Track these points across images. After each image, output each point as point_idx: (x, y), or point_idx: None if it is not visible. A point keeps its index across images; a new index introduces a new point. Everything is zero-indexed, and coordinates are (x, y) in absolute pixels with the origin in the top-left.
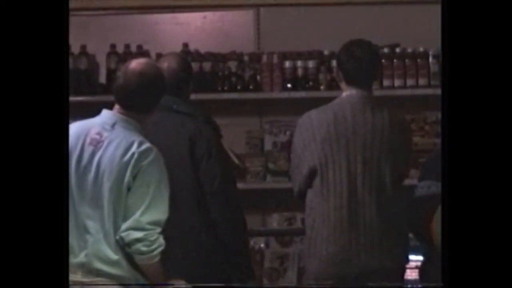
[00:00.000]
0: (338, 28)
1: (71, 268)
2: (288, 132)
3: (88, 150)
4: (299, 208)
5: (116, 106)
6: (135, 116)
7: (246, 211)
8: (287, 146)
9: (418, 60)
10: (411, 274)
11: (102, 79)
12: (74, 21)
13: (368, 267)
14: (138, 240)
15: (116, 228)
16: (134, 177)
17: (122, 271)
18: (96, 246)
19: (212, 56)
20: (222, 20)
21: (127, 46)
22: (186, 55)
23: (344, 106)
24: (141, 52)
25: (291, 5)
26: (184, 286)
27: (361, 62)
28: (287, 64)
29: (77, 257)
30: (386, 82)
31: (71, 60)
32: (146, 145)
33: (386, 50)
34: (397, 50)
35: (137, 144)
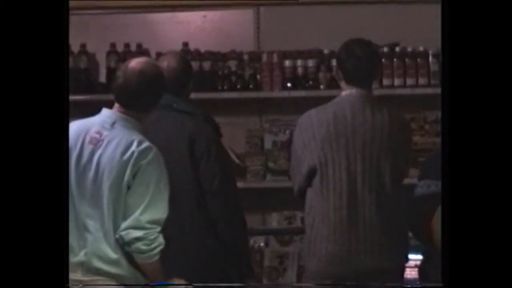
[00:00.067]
0: (338, 27)
1: (70, 267)
2: (288, 131)
3: (87, 149)
4: (299, 207)
5: (116, 105)
6: (135, 115)
7: (246, 210)
8: (287, 145)
9: (418, 59)
10: (411, 273)
11: (102, 78)
12: (74, 20)
13: (368, 266)
14: (137, 239)
15: (116, 227)
16: (133, 176)
17: (122, 270)
18: (96, 245)
19: (212, 55)
20: (222, 19)
21: (127, 45)
22: (186, 54)
23: (344, 105)
24: (141, 51)
25: (291, 4)
26: (184, 285)
27: (361, 61)
28: (287, 63)
29: (76, 256)
30: (386, 81)
31: (71, 59)
32: (146, 144)
33: (386, 49)
34: (397, 49)
35: (137, 143)
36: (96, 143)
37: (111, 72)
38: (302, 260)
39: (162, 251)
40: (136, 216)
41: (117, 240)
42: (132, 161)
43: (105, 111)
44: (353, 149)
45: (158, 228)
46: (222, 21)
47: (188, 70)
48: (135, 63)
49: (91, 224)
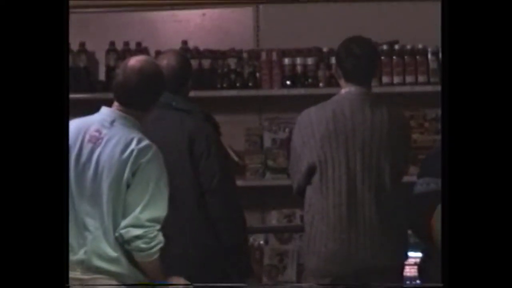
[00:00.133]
0: (337, 25)
1: (70, 265)
2: (287, 129)
3: (87, 147)
4: (298, 205)
5: (115, 103)
6: (134, 113)
7: (245, 208)
8: (287, 143)
9: (417, 57)
10: (410, 271)
11: (101, 76)
12: (74, 19)
13: (367, 264)
14: (137, 237)
15: (116, 225)
16: (133, 174)
17: (122, 268)
18: (96, 243)
19: (211, 53)
20: (221, 17)
21: (126, 44)
22: (185, 52)
23: (343, 103)
24: (140, 50)
25: (290, 2)
26: (184, 285)
27: (360, 59)
28: (286, 61)
29: (76, 254)
30: (385, 79)
31: (70, 58)
32: (145, 142)
33: (385, 47)
34: (396, 47)
35: (136, 141)
36: (96, 141)
37: (110, 70)
38: (302, 258)
39: (161, 250)
40: (136, 214)
41: (116, 239)
42: (131, 159)
43: (104, 110)
44: (352, 147)
45: (158, 226)
46: (221, 19)
47: (187, 68)
48: (134, 61)
49: (91, 222)
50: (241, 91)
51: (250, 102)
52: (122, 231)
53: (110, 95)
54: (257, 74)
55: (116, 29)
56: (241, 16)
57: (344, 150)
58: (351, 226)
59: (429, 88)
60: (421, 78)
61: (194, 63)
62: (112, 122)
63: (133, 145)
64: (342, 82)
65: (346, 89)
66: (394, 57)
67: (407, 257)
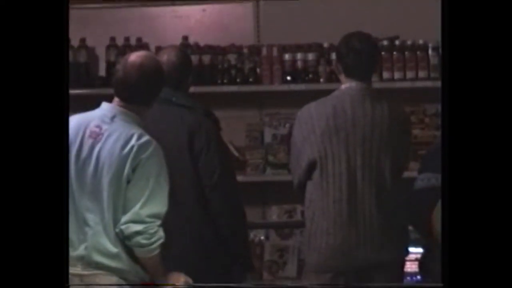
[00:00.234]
0: (337, 21)
1: (70, 261)
2: (287, 125)
3: (87, 143)
4: (299, 201)
5: (116, 99)
6: (135, 109)
7: (245, 204)
8: (287, 138)
9: (418, 53)
10: (411, 267)
11: (102, 72)
12: (74, 14)
13: (368, 260)
14: (137, 233)
15: (116, 221)
16: (133, 169)
17: (122, 264)
18: (96, 239)
19: (211, 49)
20: (221, 13)
21: (127, 39)
22: (186, 48)
23: (344, 98)
24: (141, 45)
25: None
26: (184, 285)
27: (361, 55)
28: (287, 56)
29: (76, 250)
30: (385, 75)
31: (70, 53)
32: (146, 138)
33: (385, 42)
34: (397, 42)
35: (137, 137)
36: (96, 137)
37: (110, 66)
38: (302, 254)
39: (162, 245)
40: (136, 210)
41: (117, 234)
42: (132, 155)
43: (105, 105)
44: (352, 142)
45: (158, 222)
46: (221, 15)
47: (187, 64)
48: (134, 57)
49: (91, 218)
50: (242, 86)
51: (251, 97)
52: (123, 227)
53: (111, 91)
54: (258, 70)
55: (116, 25)
56: (242, 11)
57: (344, 146)
58: (351, 222)
59: (429, 84)
60: (421, 74)
61: (194, 58)
62: (112, 118)
63: (133, 141)
64: (342, 77)
65: (347, 85)
66: (394, 53)
67: (407, 252)
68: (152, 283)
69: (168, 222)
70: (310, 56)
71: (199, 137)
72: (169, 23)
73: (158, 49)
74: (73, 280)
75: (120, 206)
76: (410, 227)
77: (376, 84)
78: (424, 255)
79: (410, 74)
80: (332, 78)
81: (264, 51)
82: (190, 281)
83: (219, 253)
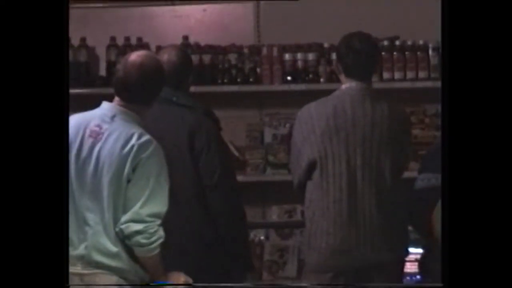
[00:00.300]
0: (338, 21)
1: (70, 260)
2: (288, 125)
3: (87, 142)
4: (299, 201)
5: (116, 99)
6: (135, 108)
7: (246, 204)
8: (287, 138)
9: (418, 53)
10: (411, 267)
11: (102, 71)
12: (74, 14)
13: (368, 260)
14: (137, 232)
15: (116, 220)
16: (133, 169)
17: (122, 263)
18: (96, 238)
19: (212, 49)
20: (222, 12)
21: (127, 39)
22: (186, 47)
23: (344, 98)
24: (141, 45)
25: None
26: (184, 285)
27: (361, 55)
28: (287, 56)
29: (76, 249)
30: (386, 75)
31: (70, 53)
32: (146, 137)
33: (386, 42)
34: (397, 42)
35: (137, 136)
36: (96, 136)
37: (111, 65)
38: (302, 254)
39: (162, 245)
40: (136, 209)
41: (117, 234)
42: (132, 154)
43: (105, 105)
44: (353, 143)
45: (158, 222)
46: (222, 15)
47: (188, 63)
48: (135, 56)
49: (91, 217)
50: (242, 86)
51: (251, 97)
52: (123, 226)
53: (111, 90)
54: (258, 70)
55: (117, 24)
56: (242, 11)
57: (344, 146)
58: (351, 222)
59: (429, 84)
60: (421, 74)
61: (194, 58)
62: (112, 117)
63: (133, 140)
64: (342, 77)
65: (347, 85)
66: (395, 53)
67: (407, 252)
68: (152, 283)
69: (168, 221)
70: (311, 56)
71: (200, 136)
72: (169, 22)
73: (159, 48)
74: (73, 280)
75: (120, 205)
76: (410, 227)
77: (376, 84)
78: (424, 255)
79: (410, 74)
80: (332, 78)
81: (265, 51)
82: (190, 280)
83: (219, 252)
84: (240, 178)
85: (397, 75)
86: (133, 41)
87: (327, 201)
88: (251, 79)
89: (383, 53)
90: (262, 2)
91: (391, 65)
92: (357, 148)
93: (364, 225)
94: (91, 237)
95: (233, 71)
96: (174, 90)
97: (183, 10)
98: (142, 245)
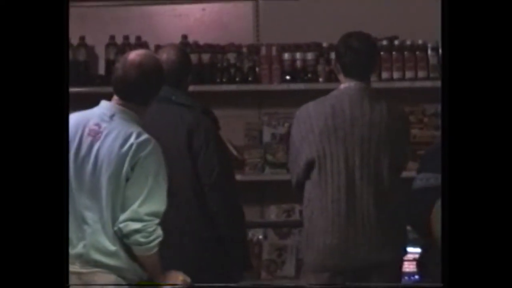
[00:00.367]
0: (337, 20)
1: (69, 259)
2: (286, 124)
3: (86, 141)
4: (297, 200)
5: (115, 97)
6: (134, 107)
7: (244, 203)
8: (286, 138)
9: (417, 53)
10: (409, 267)
11: (101, 70)
12: (73, 13)
13: (366, 259)
14: (136, 231)
15: (114, 219)
16: (132, 168)
17: (120, 262)
18: (94, 237)
19: (211, 48)
20: (221, 12)
21: (126, 38)
22: (185, 46)
23: (342, 98)
24: (140, 44)
25: None
26: (184, 285)
27: (359, 54)
28: (286, 56)
29: (75, 248)
30: (384, 75)
31: (70, 52)
32: (145, 136)
33: (385, 42)
34: (396, 42)
35: (136, 135)
36: (95, 135)
37: (110, 64)
38: (301, 253)
39: (160, 244)
40: (135, 208)
41: (115, 232)
42: (130, 153)
43: (104, 103)
44: (351, 142)
45: (157, 220)
46: (221, 14)
47: (187, 62)
48: (134, 55)
49: (90, 216)
50: (241, 85)
51: (250, 96)
52: (121, 225)
53: (110, 89)
54: (257, 69)
55: (116, 23)
56: (241, 10)
57: (343, 145)
58: (350, 221)
59: (428, 84)
60: (420, 74)
61: (193, 57)
62: (111, 116)
63: (132, 139)
64: (341, 77)
65: (345, 84)
66: (393, 53)
67: (405, 252)
68: (151, 282)
69: (166, 220)
70: (309, 56)
71: (198, 135)
72: (168, 21)
73: (158, 47)
74: (71, 278)
75: (118, 204)
76: (409, 227)
77: (375, 84)
78: (422, 254)
79: (409, 74)
80: (331, 77)
81: (263, 50)
82: (188, 279)
83: (218, 251)
84: (238, 177)
85: (396, 74)
86: (132, 40)
87: (326, 201)
88: (250, 78)
89: (382, 52)
90: (261, 2)
91: (390, 65)
92: (356, 148)
93: (363, 225)
94: (90, 236)
95: (232, 70)
96: (173, 89)
97: (182, 9)
98: (140, 244)
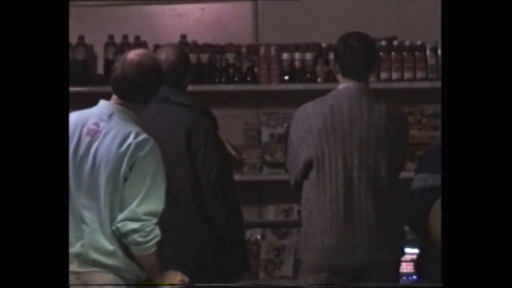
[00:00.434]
0: (336, 21)
1: None
2: (285, 124)
3: (85, 141)
4: (295, 200)
5: (114, 97)
6: (133, 107)
7: (242, 203)
8: (284, 138)
9: (416, 53)
10: (407, 267)
11: (100, 69)
12: (72, 12)
13: (364, 260)
14: (134, 231)
15: (112, 218)
16: (130, 167)
17: (118, 261)
18: (92, 237)
19: (210, 48)
20: (220, 11)
21: (125, 37)
22: (184, 46)
23: (341, 98)
24: (139, 43)
25: None
26: (184, 285)
27: (358, 55)
28: (285, 56)
29: (73, 247)
30: (383, 75)
31: (69, 51)
32: (143, 136)
33: (383, 42)
34: (395, 43)
35: (134, 135)
36: (94, 134)
37: (109, 64)
38: (299, 253)
39: (158, 243)
40: (133, 208)
41: (113, 232)
42: (129, 153)
43: (102, 103)
44: (349, 142)
45: (155, 220)
46: (220, 14)
47: (186, 62)
48: (133, 55)
49: (88, 215)
50: (239, 85)
51: (248, 96)
52: (119, 225)
53: (109, 89)
54: (256, 69)
55: (115, 23)
56: (240, 10)
57: (341, 145)
58: (348, 221)
59: (427, 84)
60: (419, 74)
61: (192, 57)
62: (110, 116)
63: (130, 139)
64: (340, 77)
65: (344, 85)
66: (392, 53)
67: (403, 252)
68: (149, 282)
69: (164, 220)
70: (308, 56)
71: (197, 135)
72: (167, 21)
73: (157, 47)
74: (69, 278)
75: (116, 203)
76: (407, 227)
77: (374, 84)
78: (420, 255)
79: (408, 75)
80: (330, 77)
81: (262, 50)
82: (186, 279)
83: (216, 251)
84: (237, 177)
85: (394, 75)
86: (131, 39)
87: (324, 201)
88: (248, 78)
89: (380, 53)
90: (260, 2)
91: (388, 65)
92: (354, 148)
93: (361, 225)
94: (88, 235)
95: (231, 70)
96: (172, 88)
97: (181, 9)
98: (138, 244)
